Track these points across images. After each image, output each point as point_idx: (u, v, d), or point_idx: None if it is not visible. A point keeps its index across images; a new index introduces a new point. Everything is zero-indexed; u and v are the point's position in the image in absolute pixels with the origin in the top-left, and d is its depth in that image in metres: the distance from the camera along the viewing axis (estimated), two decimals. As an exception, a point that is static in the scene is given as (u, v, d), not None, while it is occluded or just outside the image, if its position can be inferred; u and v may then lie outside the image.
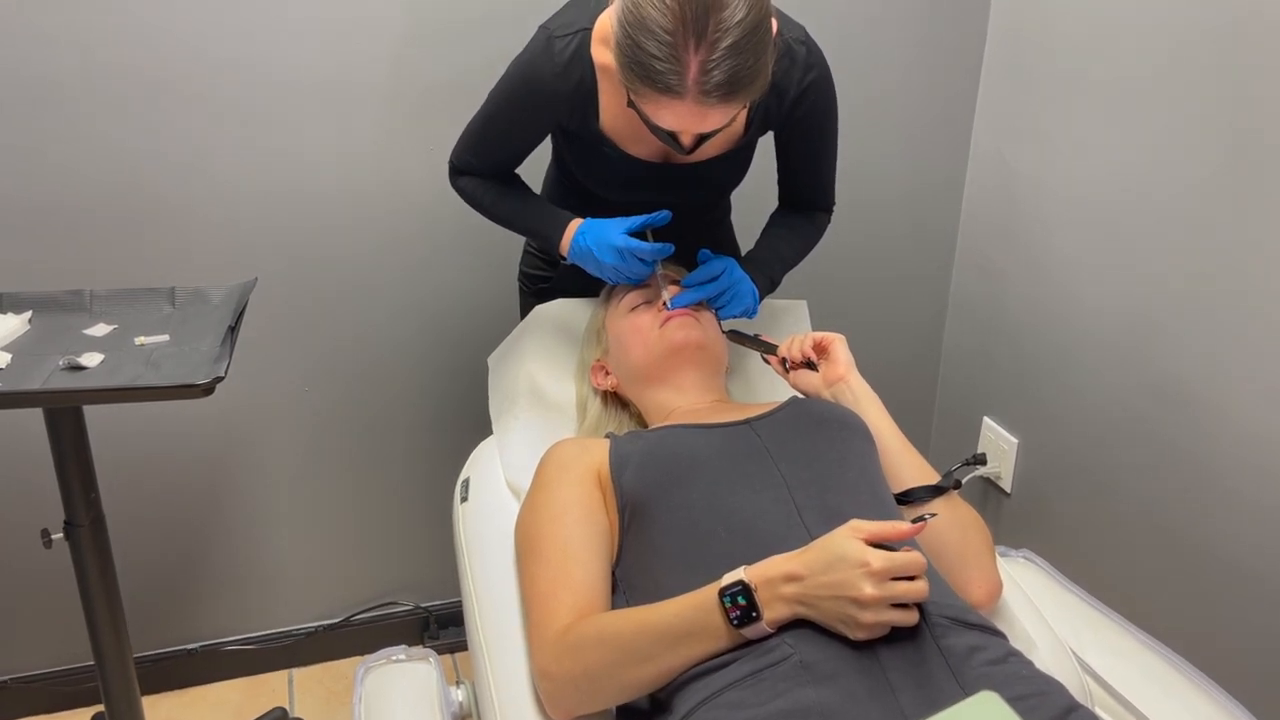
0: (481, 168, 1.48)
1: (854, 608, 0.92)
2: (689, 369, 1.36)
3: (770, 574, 0.96)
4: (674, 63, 1.11)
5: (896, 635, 0.95)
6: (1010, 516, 2.12)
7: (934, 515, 1.04)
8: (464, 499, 1.42)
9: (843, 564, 0.93)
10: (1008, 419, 2.10)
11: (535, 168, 1.56)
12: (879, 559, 0.92)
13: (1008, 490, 2.11)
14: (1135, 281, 1.73)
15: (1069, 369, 1.90)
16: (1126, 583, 1.81)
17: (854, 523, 0.96)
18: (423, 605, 2.13)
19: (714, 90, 1.12)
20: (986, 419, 2.15)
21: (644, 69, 1.12)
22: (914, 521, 0.96)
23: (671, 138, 1.26)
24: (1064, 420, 1.93)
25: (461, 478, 1.47)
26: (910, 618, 0.94)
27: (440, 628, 2.14)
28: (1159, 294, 1.69)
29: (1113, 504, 1.83)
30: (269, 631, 2.07)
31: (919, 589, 0.94)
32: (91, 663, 1.48)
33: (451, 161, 1.50)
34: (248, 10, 1.64)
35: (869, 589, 0.91)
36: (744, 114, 1.37)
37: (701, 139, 1.26)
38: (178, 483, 1.90)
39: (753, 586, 0.96)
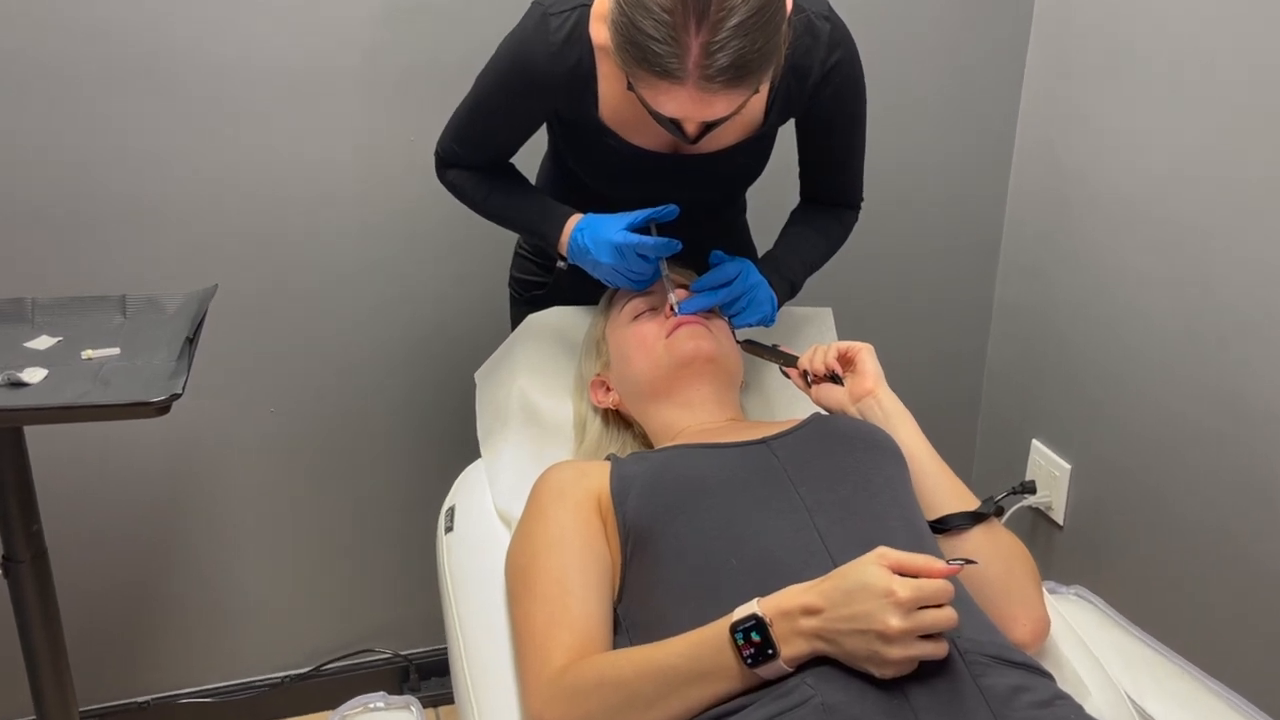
0: (470, 159, 1.50)
1: (880, 643, 0.92)
2: (699, 384, 1.37)
3: (786, 606, 0.97)
4: (673, 44, 1.12)
5: (928, 673, 0.95)
6: (1062, 551, 2.11)
7: (974, 563, 1.03)
8: (449, 529, 1.43)
9: (866, 594, 0.93)
10: (1059, 442, 2.10)
11: (530, 162, 1.57)
12: (905, 587, 0.92)
13: (1059, 522, 2.11)
14: (1198, 287, 1.73)
15: (1127, 385, 1.90)
16: (1193, 623, 1.81)
17: (881, 550, 0.96)
18: (402, 653, 2.14)
19: (717, 75, 1.13)
20: (1035, 442, 2.15)
21: (640, 50, 1.13)
22: (950, 562, 0.96)
23: (675, 126, 1.27)
24: (1122, 443, 1.93)
25: (446, 506, 1.47)
26: (940, 649, 0.94)
27: (422, 678, 2.14)
28: (1225, 301, 1.69)
29: (1177, 536, 1.83)
30: (229, 683, 2.07)
31: (948, 616, 0.94)
32: (33, 717, 1.48)
33: (437, 153, 1.52)
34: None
35: (895, 621, 0.91)
36: (761, 99, 1.38)
37: (708, 127, 1.26)
38: (129, 514, 1.90)
39: (768, 621, 0.96)
